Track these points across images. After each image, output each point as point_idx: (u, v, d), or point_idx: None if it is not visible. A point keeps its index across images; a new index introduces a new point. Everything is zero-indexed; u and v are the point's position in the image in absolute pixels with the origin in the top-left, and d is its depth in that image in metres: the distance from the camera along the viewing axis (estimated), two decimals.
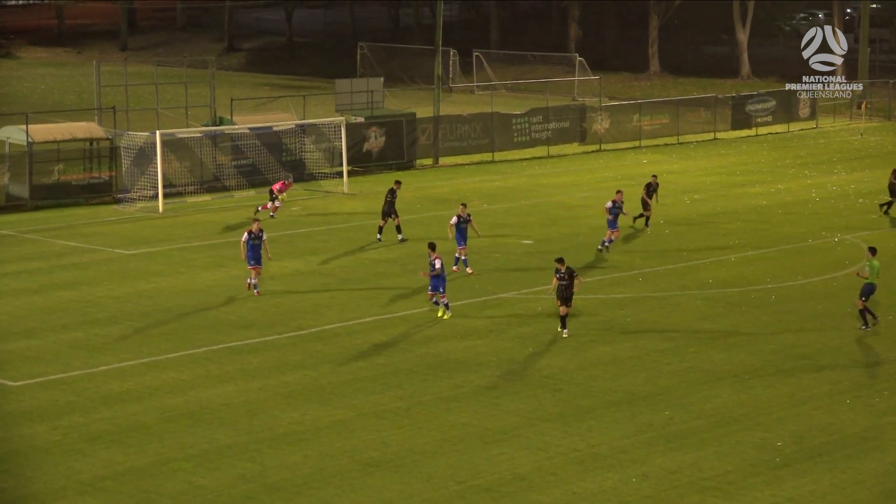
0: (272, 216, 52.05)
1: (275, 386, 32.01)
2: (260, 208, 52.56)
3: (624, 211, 46.53)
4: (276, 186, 52.85)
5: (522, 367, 33.54)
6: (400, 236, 47.72)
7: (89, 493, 25.65)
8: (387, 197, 47.71)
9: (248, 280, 40.69)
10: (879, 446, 28.23)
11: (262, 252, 40.42)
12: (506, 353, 34.73)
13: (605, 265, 44.65)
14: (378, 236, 48.10)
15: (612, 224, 46.02)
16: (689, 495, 25.61)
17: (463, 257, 43.13)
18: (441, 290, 37.61)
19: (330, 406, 30.59)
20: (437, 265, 37.27)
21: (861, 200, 57.87)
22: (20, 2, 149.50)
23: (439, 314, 37.79)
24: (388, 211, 47.53)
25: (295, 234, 49.53)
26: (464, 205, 43.77)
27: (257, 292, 40.33)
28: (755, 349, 35.11)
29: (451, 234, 43.07)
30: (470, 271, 42.87)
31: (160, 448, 27.92)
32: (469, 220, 43.03)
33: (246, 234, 40.39)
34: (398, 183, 48.80)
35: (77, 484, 26.08)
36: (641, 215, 50.40)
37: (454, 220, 42.93)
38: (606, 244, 46.25)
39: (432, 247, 37.95)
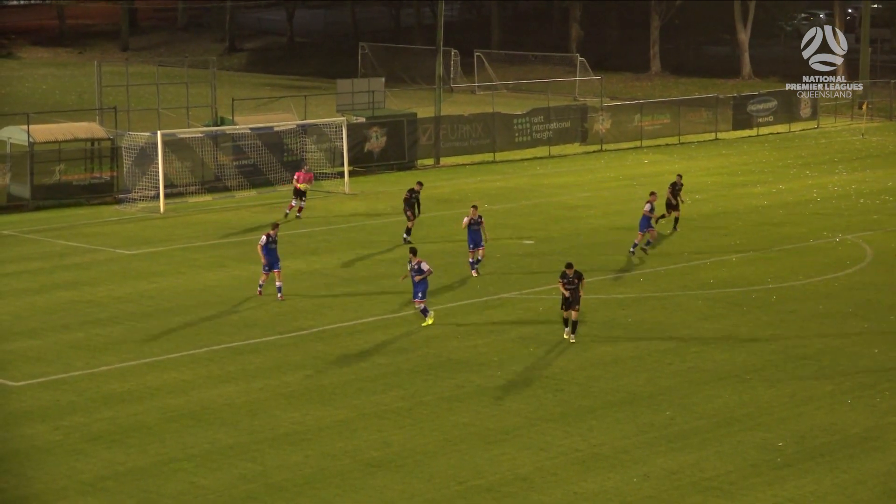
0: (299, 216, 52.23)
1: (276, 386, 32.01)
2: (288, 211, 52.26)
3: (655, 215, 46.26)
4: (300, 181, 52.13)
5: (524, 367, 33.53)
6: (406, 237, 47.46)
7: (90, 494, 25.66)
8: (405, 195, 47.25)
9: (260, 285, 40.05)
10: (881, 446, 28.22)
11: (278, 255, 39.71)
12: (507, 353, 34.72)
13: (608, 266, 44.63)
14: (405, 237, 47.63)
15: (647, 224, 45.51)
16: (690, 495, 25.60)
17: (470, 259, 42.64)
18: (420, 295, 36.78)
19: (331, 406, 30.59)
20: (425, 268, 36.42)
21: (862, 201, 57.86)
22: (21, 2, 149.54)
23: (428, 321, 36.94)
24: (412, 210, 47.05)
25: (296, 235, 49.51)
26: (475, 207, 42.97)
27: (260, 292, 39.97)
28: (756, 349, 35.10)
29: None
30: (475, 274, 42.59)
31: (161, 448, 27.92)
32: (480, 222, 42.38)
33: (264, 237, 39.44)
34: (420, 184, 48.26)
35: (78, 484, 26.09)
36: (663, 216, 49.40)
37: (465, 221, 42.34)
38: (649, 244, 46.00)
39: (413, 252, 36.96)
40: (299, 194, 52.35)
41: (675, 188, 49.91)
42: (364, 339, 35.96)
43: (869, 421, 29.72)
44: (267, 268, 39.56)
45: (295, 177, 52.59)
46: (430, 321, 36.98)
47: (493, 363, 33.80)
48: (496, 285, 41.73)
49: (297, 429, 29.10)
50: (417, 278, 36.58)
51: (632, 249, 45.90)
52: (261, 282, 40.19)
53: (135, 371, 33.13)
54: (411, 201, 47.22)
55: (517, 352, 34.81)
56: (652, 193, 46.39)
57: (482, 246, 42.59)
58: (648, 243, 46.15)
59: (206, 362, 33.89)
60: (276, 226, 40.15)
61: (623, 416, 29.97)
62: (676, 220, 49.80)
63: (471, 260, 42.83)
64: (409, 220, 47.55)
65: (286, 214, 52.18)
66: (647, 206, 45.54)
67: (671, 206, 49.67)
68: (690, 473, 26.63)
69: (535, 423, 29.50)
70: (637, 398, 31.17)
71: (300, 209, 52.66)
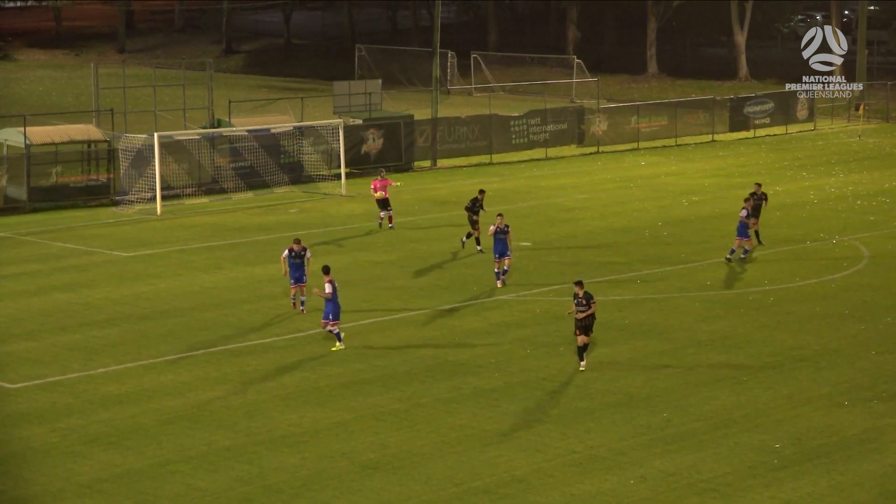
0: (391, 227, 50.49)
1: (273, 388, 32.00)
2: (380, 221, 50.51)
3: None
4: (377, 189, 50.12)
5: (521, 368, 33.52)
6: (478, 248, 46.17)
7: (87, 496, 25.65)
8: (468, 205, 45.84)
9: (292, 298, 38.74)
10: (878, 448, 28.22)
11: (306, 271, 38.32)
12: (504, 355, 34.71)
13: (605, 267, 44.62)
14: (463, 240, 46.33)
15: (745, 231, 44.94)
16: (687, 497, 25.60)
17: (496, 269, 41.69)
18: (331, 317, 34.94)
19: (328, 408, 30.58)
20: (328, 289, 34.83)
21: (859, 202, 57.89)
22: (18, 4, 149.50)
23: (339, 346, 35.08)
24: (475, 220, 45.62)
25: (293, 237, 49.37)
26: (500, 215, 41.86)
27: (303, 310, 38.52)
28: (753, 351, 35.10)
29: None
30: (500, 285, 41.60)
31: (158, 450, 27.91)
32: (507, 232, 41.34)
33: (286, 251, 38.48)
34: (482, 192, 46.54)
35: (75, 486, 26.07)
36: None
37: (492, 229, 41.29)
38: (743, 254, 45.30)
39: (325, 270, 35.50)
40: (383, 204, 50.30)
41: (756, 199, 47.51)
42: (361, 340, 35.94)
43: (866, 423, 29.72)
44: (293, 281, 38.36)
45: (372, 186, 50.65)
46: (339, 346, 35.08)
47: (490, 365, 33.79)
48: (493, 287, 41.70)
49: (293, 431, 29.08)
50: (322, 292, 34.99)
51: (728, 256, 45.06)
52: (292, 296, 38.84)
53: (132, 373, 33.12)
54: (475, 209, 45.63)
55: (514, 354, 34.80)
56: (746, 199, 45.78)
57: (508, 255, 41.59)
58: (746, 251, 45.43)
59: (203, 364, 33.88)
60: (297, 241, 38.73)
61: (620, 417, 29.96)
62: (756, 232, 47.63)
63: (496, 270, 41.82)
64: (474, 229, 45.86)
65: (380, 225, 50.72)
66: (743, 213, 44.91)
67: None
68: (687, 475, 26.63)
69: (532, 424, 29.50)
70: (634, 400, 31.17)
71: (390, 219, 50.51)
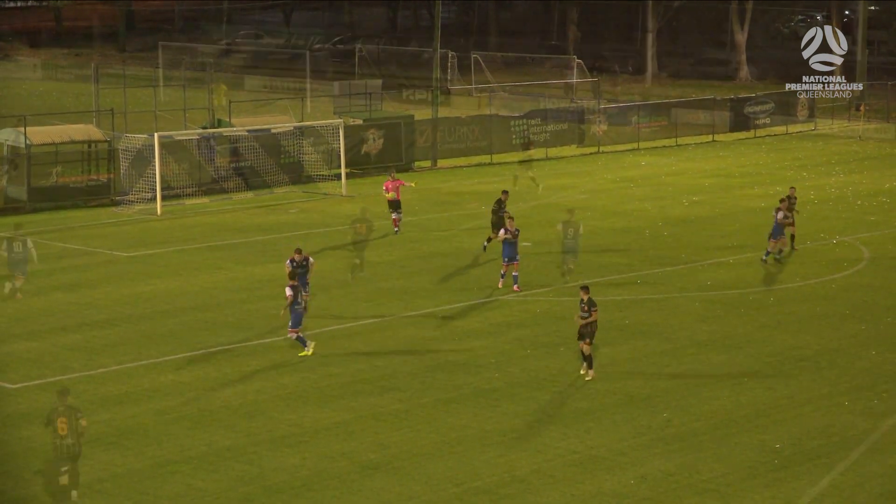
0: (396, 230, 49.67)
1: (273, 388, 32.00)
2: (395, 227, 49.74)
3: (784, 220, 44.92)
4: (389, 190, 49.31)
5: (521, 369, 33.52)
6: (485, 243, 45.65)
7: (88, 496, 25.63)
8: (493, 207, 45.24)
9: None
10: (878, 448, 28.21)
11: (308, 278, 37.66)
12: (504, 355, 34.71)
13: (605, 268, 44.60)
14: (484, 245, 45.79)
15: (780, 233, 44.75)
16: (687, 497, 25.60)
17: (502, 272, 41.23)
18: (290, 324, 34.33)
19: (328, 408, 30.58)
20: (288, 293, 34.29)
21: (859, 202, 57.89)
22: (18, 4, 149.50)
23: (303, 353, 34.44)
24: (499, 223, 44.12)
25: (293, 237, 49.46)
26: (511, 218, 41.30)
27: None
28: (754, 351, 35.10)
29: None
30: (507, 287, 41.21)
31: (159, 450, 27.90)
32: (517, 234, 40.76)
33: (288, 261, 37.74)
34: (506, 193, 45.88)
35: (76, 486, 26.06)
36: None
37: (503, 234, 40.77)
38: (772, 254, 45.11)
39: (290, 276, 35.11)
40: (394, 206, 49.48)
41: (791, 202, 46.49)
42: (361, 341, 35.95)
43: (866, 423, 29.72)
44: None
45: (384, 188, 49.89)
46: (305, 352, 34.57)
47: (491, 365, 33.79)
48: (493, 287, 41.68)
49: (294, 431, 29.08)
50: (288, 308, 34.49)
51: (764, 258, 44.95)
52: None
53: (132, 373, 33.11)
54: (500, 214, 44.55)
55: (514, 354, 34.79)
56: (782, 201, 45.61)
57: (517, 260, 40.96)
58: (780, 252, 45.29)
59: (203, 364, 33.87)
60: (298, 251, 38.07)
61: (620, 418, 29.96)
62: (792, 237, 47.01)
63: (502, 272, 41.34)
64: (495, 233, 44.49)
65: (395, 228, 49.87)
66: (780, 215, 44.67)
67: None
68: (687, 475, 26.63)
69: (533, 425, 29.50)
70: (634, 400, 31.17)
71: (395, 222, 49.61)
